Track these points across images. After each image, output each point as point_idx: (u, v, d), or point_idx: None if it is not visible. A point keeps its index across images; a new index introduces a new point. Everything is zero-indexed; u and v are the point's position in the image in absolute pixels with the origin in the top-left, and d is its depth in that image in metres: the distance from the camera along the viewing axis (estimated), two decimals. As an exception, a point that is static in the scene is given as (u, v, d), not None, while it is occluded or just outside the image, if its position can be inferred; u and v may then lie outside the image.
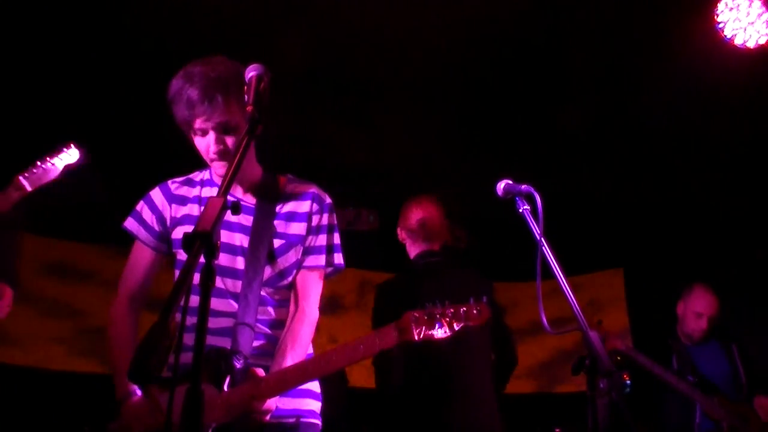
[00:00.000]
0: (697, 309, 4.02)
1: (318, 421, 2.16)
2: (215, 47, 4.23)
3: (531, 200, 2.28)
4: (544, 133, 5.01)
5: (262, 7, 3.79)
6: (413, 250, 3.52)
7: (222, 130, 2.00)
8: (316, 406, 2.17)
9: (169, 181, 2.22)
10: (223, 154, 2.02)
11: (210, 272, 1.35)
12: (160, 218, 2.16)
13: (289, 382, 1.90)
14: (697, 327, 4.02)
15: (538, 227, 2.20)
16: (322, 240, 2.19)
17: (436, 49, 4.13)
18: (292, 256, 2.14)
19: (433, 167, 5.65)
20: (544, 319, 2.14)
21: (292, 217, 2.16)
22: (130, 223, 2.19)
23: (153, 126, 5.07)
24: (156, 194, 2.20)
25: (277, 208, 2.16)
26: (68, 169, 3.00)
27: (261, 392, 1.86)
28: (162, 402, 1.89)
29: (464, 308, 1.92)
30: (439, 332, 1.90)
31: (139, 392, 1.94)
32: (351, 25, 3.93)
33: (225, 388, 1.90)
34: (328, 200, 2.23)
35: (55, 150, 3.00)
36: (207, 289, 1.34)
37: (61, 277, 5.68)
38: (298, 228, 2.16)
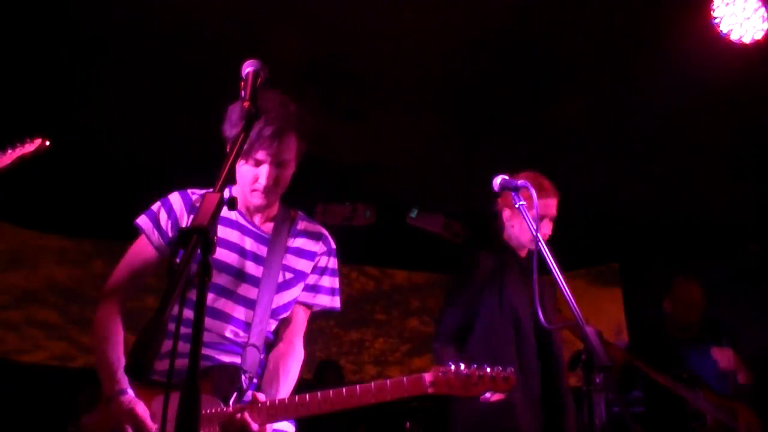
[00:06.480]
0: (683, 300, 4.06)
1: None
2: (212, 42, 4.24)
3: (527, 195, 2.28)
4: (539, 128, 5.01)
5: (258, 3, 3.78)
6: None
7: (277, 164, 2.05)
8: (290, 428, 2.18)
9: (189, 190, 2.18)
10: (269, 190, 2.07)
11: (206, 268, 1.34)
12: (175, 224, 2.11)
13: (308, 408, 1.92)
14: (685, 318, 4.05)
15: (534, 222, 2.21)
16: (327, 282, 2.26)
17: (432, 43, 4.13)
18: (296, 290, 2.19)
19: (429, 162, 5.65)
20: (541, 315, 2.15)
21: (300, 253, 2.22)
22: (143, 222, 2.13)
23: (153, 124, 5.06)
24: (175, 199, 2.15)
25: (289, 242, 2.20)
26: (23, 158, 3.01)
27: (276, 415, 1.90)
28: (154, 406, 1.90)
29: (493, 374, 1.94)
30: (466, 392, 1.94)
31: (131, 392, 1.92)
32: (347, 20, 3.92)
33: (230, 403, 1.94)
34: (334, 245, 2.30)
35: (20, 141, 3.04)
36: (203, 284, 1.33)
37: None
38: (304, 265, 2.21)
